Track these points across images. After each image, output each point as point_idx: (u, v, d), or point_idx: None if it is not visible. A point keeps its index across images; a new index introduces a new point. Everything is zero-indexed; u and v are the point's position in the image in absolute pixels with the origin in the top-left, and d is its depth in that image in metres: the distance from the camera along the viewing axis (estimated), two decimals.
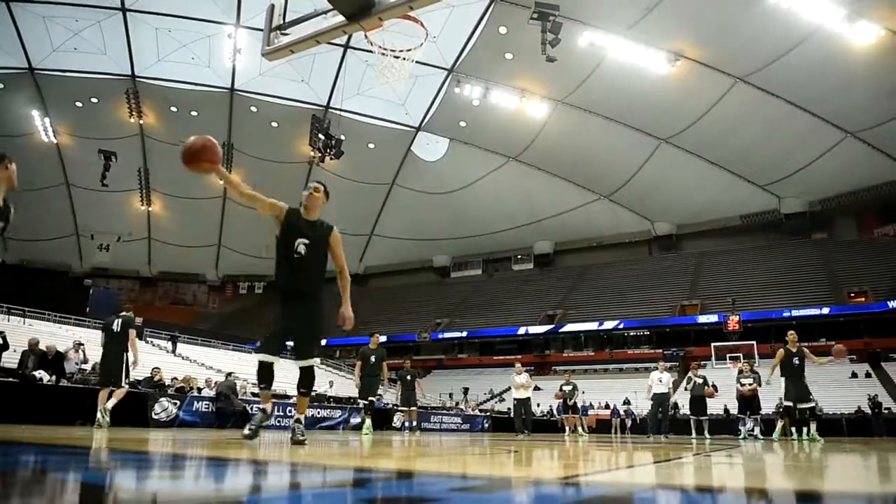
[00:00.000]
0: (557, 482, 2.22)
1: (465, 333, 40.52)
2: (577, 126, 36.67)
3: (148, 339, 25.11)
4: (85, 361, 12.52)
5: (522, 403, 14.13)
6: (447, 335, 41.04)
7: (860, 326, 30.72)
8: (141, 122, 40.32)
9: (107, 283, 49.42)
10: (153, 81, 37.91)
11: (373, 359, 10.56)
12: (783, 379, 10.00)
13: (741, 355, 27.34)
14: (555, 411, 24.62)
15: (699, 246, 42.07)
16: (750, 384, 13.42)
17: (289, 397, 14.05)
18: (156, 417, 10.47)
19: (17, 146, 38.41)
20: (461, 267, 50.67)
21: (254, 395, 13.33)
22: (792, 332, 10.51)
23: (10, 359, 11.95)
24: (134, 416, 9.76)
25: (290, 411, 12.43)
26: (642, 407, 24.59)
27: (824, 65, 28.51)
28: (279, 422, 12.43)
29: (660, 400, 13.50)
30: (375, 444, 6.13)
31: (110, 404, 7.95)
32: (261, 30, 6.51)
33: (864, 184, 35.31)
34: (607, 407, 27.71)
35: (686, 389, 15.20)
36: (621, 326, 36.27)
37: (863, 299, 31.20)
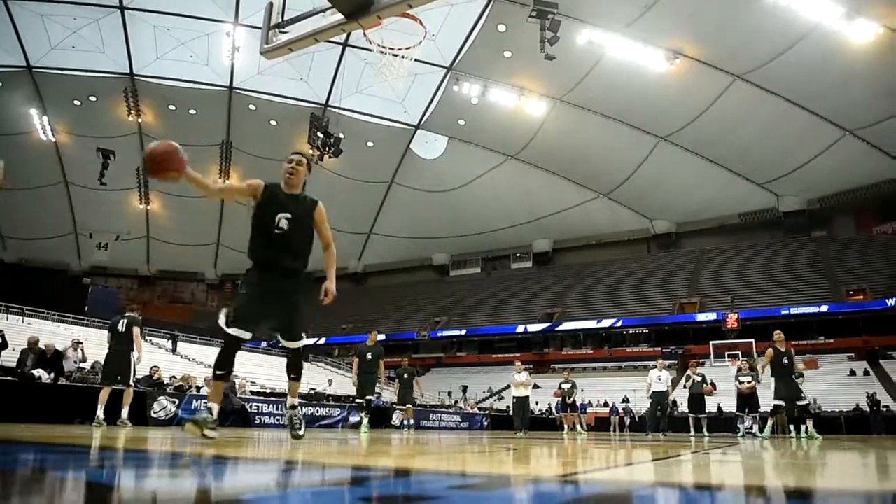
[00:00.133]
0: (556, 480, 2.22)
1: (463, 332, 40.51)
2: (575, 124, 36.63)
3: (147, 337, 25.08)
4: (84, 360, 12.56)
5: (522, 402, 14.13)
6: (446, 333, 41.02)
7: (859, 324, 30.80)
8: (139, 120, 40.17)
9: (105, 282, 49.46)
10: (151, 80, 37.77)
11: (369, 356, 10.31)
12: (773, 379, 10.03)
13: (740, 353, 27.35)
14: (554, 409, 24.70)
15: (698, 244, 42.07)
16: (748, 382, 13.49)
17: (284, 396, 14.01)
18: (155, 416, 10.47)
19: (16, 145, 38.39)
20: (460, 265, 50.62)
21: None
22: (778, 331, 10.47)
23: (9, 357, 11.94)
24: (133, 414, 9.73)
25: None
26: (641, 405, 24.67)
27: (823, 62, 28.49)
28: (278, 420, 12.44)
29: (659, 398, 13.57)
30: (373, 442, 6.13)
31: (125, 413, 8.29)
32: (259, 28, 6.51)
33: (862, 182, 35.30)
34: (606, 405, 27.76)
35: (685, 387, 15.27)
36: (620, 324, 36.23)
37: (861, 297, 31.20)
